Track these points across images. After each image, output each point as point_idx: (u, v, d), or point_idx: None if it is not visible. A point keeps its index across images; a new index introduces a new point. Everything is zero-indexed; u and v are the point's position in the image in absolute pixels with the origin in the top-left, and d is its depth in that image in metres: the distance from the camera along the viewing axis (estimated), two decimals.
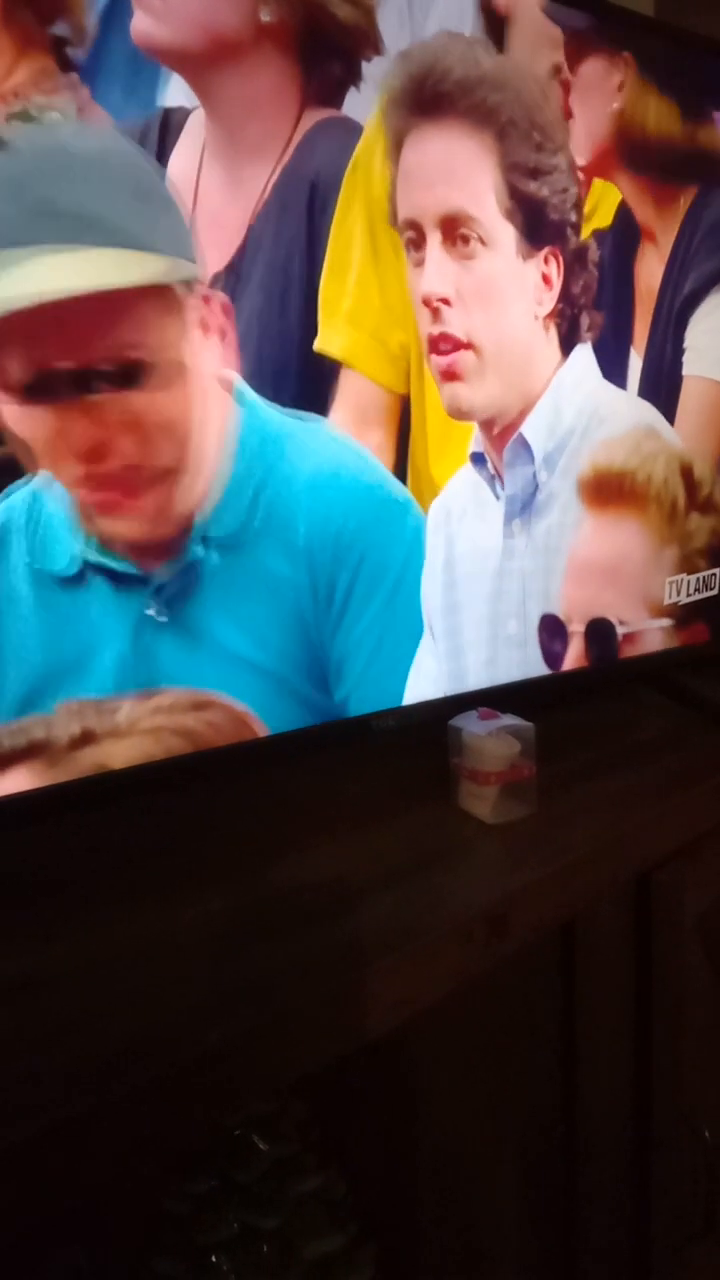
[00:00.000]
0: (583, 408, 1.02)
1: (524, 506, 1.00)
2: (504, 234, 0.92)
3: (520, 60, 0.94)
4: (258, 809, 0.89)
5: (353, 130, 0.86)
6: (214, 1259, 0.73)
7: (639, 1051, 0.93)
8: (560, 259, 0.96)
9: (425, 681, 0.95)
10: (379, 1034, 0.66)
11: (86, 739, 0.77)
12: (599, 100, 1.01)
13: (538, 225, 0.94)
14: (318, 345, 0.86)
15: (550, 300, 0.97)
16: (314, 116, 0.84)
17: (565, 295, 0.97)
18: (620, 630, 1.05)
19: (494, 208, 0.91)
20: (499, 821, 0.85)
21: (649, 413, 1.08)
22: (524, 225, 0.93)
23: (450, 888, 0.76)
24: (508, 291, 0.94)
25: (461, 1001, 0.74)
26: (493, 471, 0.98)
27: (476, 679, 0.99)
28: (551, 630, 1.02)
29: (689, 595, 1.12)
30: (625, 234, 1.05)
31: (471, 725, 0.87)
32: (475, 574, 0.98)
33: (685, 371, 1.11)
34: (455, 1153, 0.82)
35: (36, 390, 0.68)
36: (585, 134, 1.00)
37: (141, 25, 0.75)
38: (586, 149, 1.00)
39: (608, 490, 1.03)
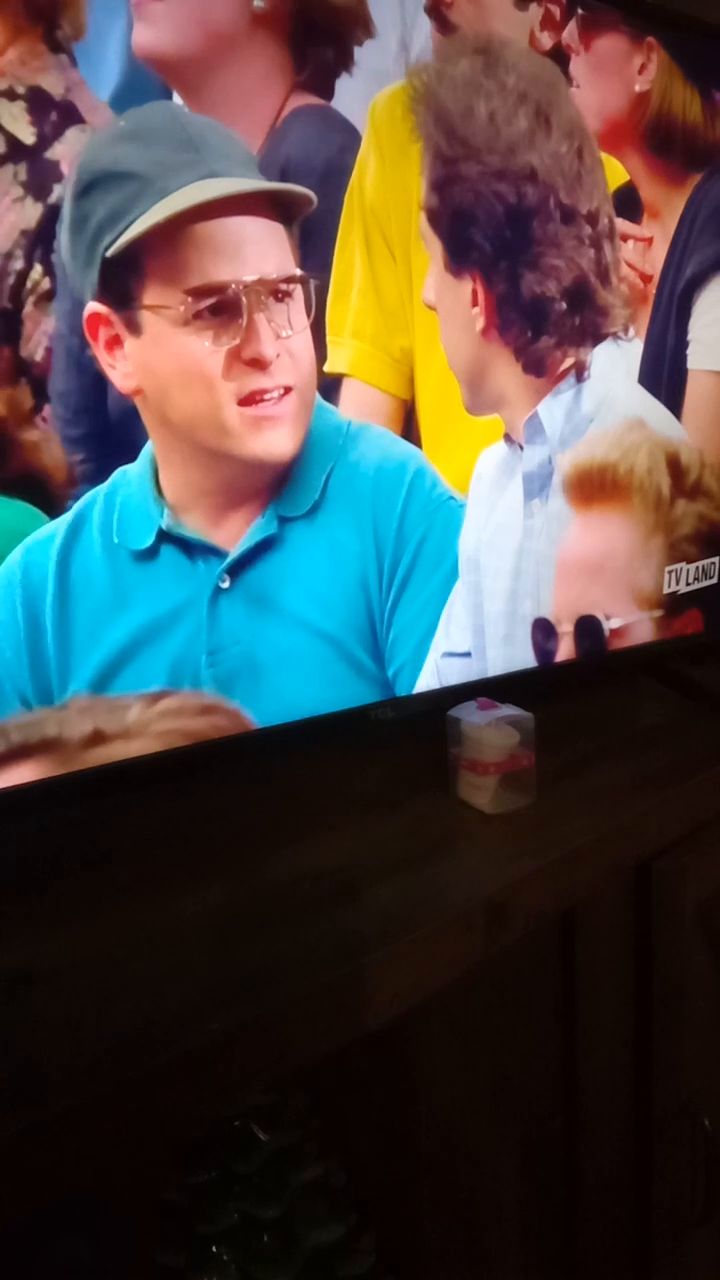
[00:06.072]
0: (604, 398, 1.02)
1: (541, 487, 1.00)
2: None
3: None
4: (257, 801, 0.89)
5: (330, 120, 0.86)
6: (215, 1249, 0.74)
7: (639, 1040, 0.93)
8: None
9: (446, 641, 0.97)
10: (379, 1024, 0.66)
11: (97, 739, 0.77)
12: (614, 77, 1.01)
13: None
14: (326, 368, 0.88)
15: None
16: (294, 103, 0.84)
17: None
18: (607, 626, 1.04)
19: None
20: (498, 812, 0.85)
21: (639, 404, 1.07)
22: None
23: (450, 878, 0.76)
24: None
25: (462, 991, 0.74)
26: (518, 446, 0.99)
27: (494, 654, 1.00)
28: (544, 631, 1.02)
29: (688, 584, 1.11)
30: (624, 213, 1.04)
31: (470, 715, 0.87)
32: (499, 548, 0.99)
33: (691, 365, 1.10)
34: (455, 1141, 0.82)
35: (220, 303, 0.80)
36: (595, 107, 0.99)
37: (143, 37, 0.76)
38: (597, 121, 1.00)
39: (592, 485, 1.03)
